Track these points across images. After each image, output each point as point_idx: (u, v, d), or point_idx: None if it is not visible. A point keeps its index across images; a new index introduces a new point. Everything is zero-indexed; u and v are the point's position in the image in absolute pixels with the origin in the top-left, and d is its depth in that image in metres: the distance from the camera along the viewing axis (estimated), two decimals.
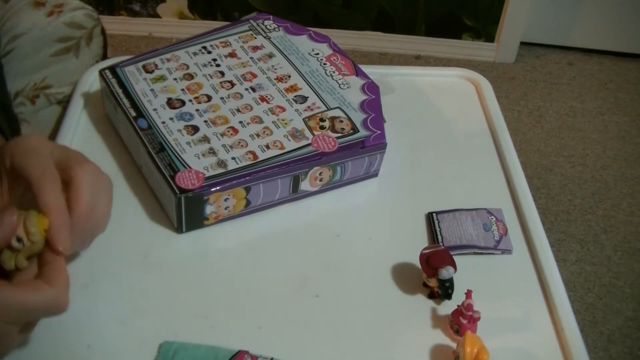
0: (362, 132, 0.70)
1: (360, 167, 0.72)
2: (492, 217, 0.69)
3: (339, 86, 0.76)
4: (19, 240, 0.50)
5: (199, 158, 0.66)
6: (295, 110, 0.72)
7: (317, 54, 0.80)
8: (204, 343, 0.57)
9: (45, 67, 0.87)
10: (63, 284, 0.50)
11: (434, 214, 0.70)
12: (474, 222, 0.68)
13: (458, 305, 0.59)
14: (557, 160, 1.88)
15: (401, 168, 0.76)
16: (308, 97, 0.74)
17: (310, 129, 0.70)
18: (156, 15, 2.23)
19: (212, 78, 0.75)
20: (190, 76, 0.75)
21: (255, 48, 0.80)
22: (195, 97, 0.73)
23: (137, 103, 0.72)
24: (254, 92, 0.74)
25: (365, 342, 0.59)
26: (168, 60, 0.77)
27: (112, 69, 0.76)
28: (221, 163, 0.66)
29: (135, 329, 0.58)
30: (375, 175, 0.74)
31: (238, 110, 0.72)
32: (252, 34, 0.82)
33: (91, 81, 0.83)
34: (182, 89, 0.74)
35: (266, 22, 0.84)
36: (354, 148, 0.69)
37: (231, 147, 0.68)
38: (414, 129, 0.82)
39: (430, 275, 0.61)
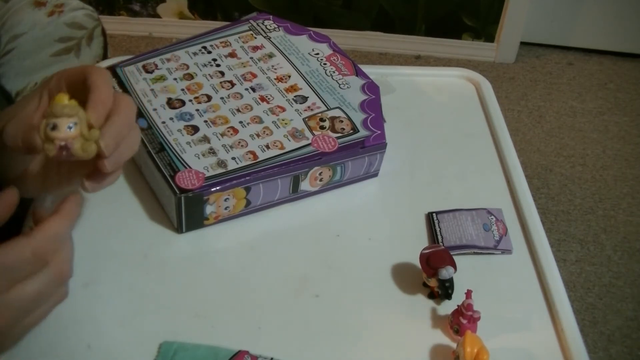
0: (362, 132, 0.70)
1: (360, 167, 0.72)
2: (492, 217, 0.69)
3: (339, 86, 0.76)
4: (70, 127, 0.41)
5: (199, 158, 0.66)
6: (295, 110, 0.72)
7: (317, 54, 0.80)
8: (204, 343, 0.57)
9: (46, 67, 0.87)
10: (47, 230, 0.43)
11: (434, 214, 0.70)
12: (474, 222, 0.68)
13: (458, 305, 0.59)
14: (557, 160, 1.88)
15: (401, 168, 0.76)
16: (308, 97, 0.74)
17: (310, 129, 0.70)
18: (156, 15, 2.23)
19: (212, 78, 0.75)
20: (190, 76, 0.75)
21: (255, 48, 0.80)
22: (195, 97, 0.73)
23: (137, 103, 0.71)
24: (254, 92, 0.74)
25: (365, 342, 0.59)
26: (168, 60, 0.77)
27: (112, 69, 0.76)
28: (221, 163, 0.66)
29: (135, 329, 0.58)
30: (375, 175, 0.74)
31: (238, 110, 0.72)
32: (252, 34, 0.82)
33: None
34: (182, 89, 0.74)
35: (266, 22, 0.84)
36: (354, 148, 0.69)
37: (231, 147, 0.68)
38: (414, 129, 0.82)
39: (430, 275, 0.61)
